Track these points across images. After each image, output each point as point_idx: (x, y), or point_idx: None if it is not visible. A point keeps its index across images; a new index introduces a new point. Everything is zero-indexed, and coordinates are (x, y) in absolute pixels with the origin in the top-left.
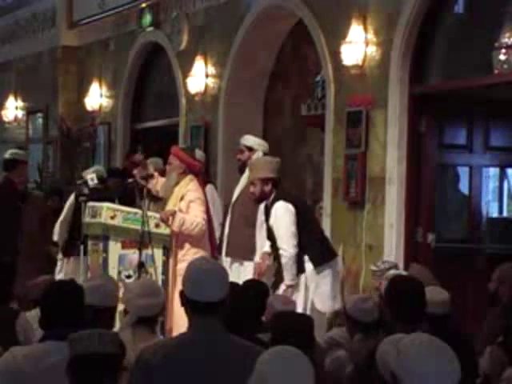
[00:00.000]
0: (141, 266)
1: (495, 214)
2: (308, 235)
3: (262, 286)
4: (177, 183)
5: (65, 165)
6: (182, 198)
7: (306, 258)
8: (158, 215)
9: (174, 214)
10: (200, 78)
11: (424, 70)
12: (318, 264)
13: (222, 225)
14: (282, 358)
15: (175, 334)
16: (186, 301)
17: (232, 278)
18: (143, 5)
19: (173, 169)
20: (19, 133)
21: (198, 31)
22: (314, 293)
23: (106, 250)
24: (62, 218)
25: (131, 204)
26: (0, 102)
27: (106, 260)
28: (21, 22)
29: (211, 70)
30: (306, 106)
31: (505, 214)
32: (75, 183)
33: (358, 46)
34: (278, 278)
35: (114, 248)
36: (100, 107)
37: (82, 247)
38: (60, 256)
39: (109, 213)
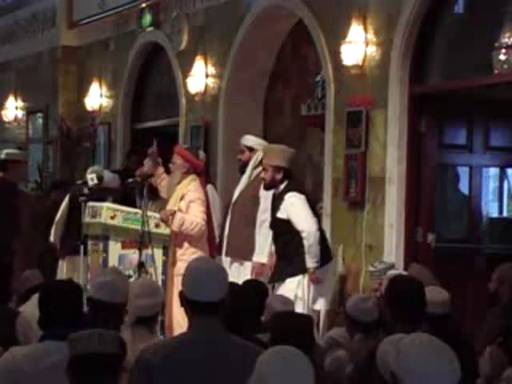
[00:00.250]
0: (141, 265)
1: (495, 214)
2: None
3: (262, 285)
4: (179, 182)
5: (65, 165)
6: (182, 198)
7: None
8: (157, 215)
9: (173, 213)
10: (200, 78)
11: (424, 70)
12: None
13: (222, 225)
14: (281, 358)
15: (175, 334)
16: (185, 301)
17: (232, 278)
18: (143, 5)
19: (176, 168)
20: (19, 133)
21: (197, 31)
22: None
23: (106, 250)
24: (57, 218)
25: (132, 204)
26: (0, 102)
27: (105, 260)
28: (21, 22)
29: (211, 69)
30: (306, 106)
31: (505, 213)
32: (75, 183)
33: (357, 45)
34: (279, 272)
35: (114, 248)
36: (100, 107)
37: (81, 247)
38: None
39: (109, 213)
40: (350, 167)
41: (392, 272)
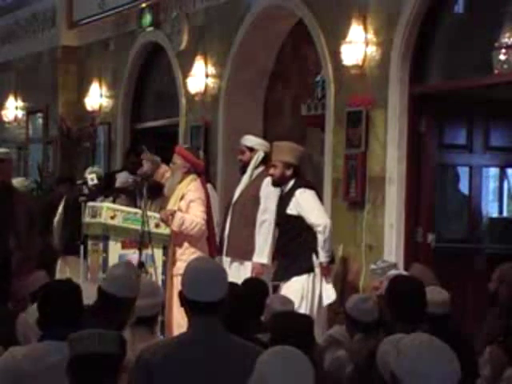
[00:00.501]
0: (141, 266)
1: (495, 214)
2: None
3: (262, 284)
4: (180, 182)
5: (65, 165)
6: (182, 198)
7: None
8: (157, 215)
9: (173, 213)
10: (200, 78)
11: (424, 70)
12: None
13: (222, 225)
14: (281, 358)
15: (175, 333)
16: (185, 301)
17: (231, 278)
18: (143, 5)
19: (177, 168)
20: (19, 133)
21: (197, 31)
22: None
23: (106, 250)
24: (56, 218)
25: (132, 203)
26: (0, 102)
27: (105, 260)
28: (21, 22)
29: (211, 69)
30: (306, 106)
31: (505, 214)
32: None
33: (357, 45)
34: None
35: (114, 248)
36: (100, 107)
37: (81, 247)
38: None
39: (109, 213)
40: (350, 167)
41: (392, 272)
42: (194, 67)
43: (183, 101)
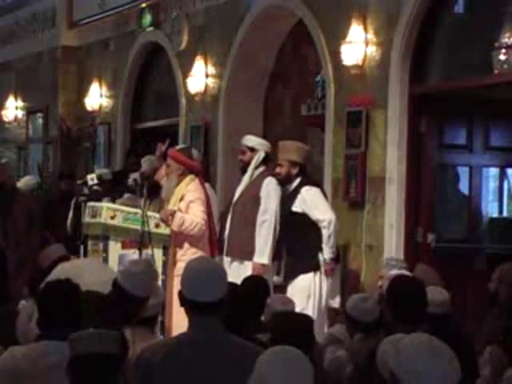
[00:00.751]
0: None
1: (495, 214)
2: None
3: (262, 282)
4: (177, 184)
5: (65, 165)
6: (181, 199)
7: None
8: (157, 215)
9: (173, 213)
10: (200, 78)
11: (424, 70)
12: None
13: (223, 225)
14: (281, 358)
15: (175, 334)
16: (185, 301)
17: (231, 278)
18: (143, 5)
19: (171, 171)
20: (19, 133)
21: (197, 31)
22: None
23: (106, 250)
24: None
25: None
26: (0, 102)
27: (105, 260)
28: (21, 22)
29: (211, 70)
30: (306, 105)
31: (505, 214)
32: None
33: (357, 45)
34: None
35: (114, 248)
36: (100, 107)
37: (82, 247)
38: None
39: (109, 213)
40: (350, 167)
41: (393, 272)
42: (194, 67)
43: (183, 101)
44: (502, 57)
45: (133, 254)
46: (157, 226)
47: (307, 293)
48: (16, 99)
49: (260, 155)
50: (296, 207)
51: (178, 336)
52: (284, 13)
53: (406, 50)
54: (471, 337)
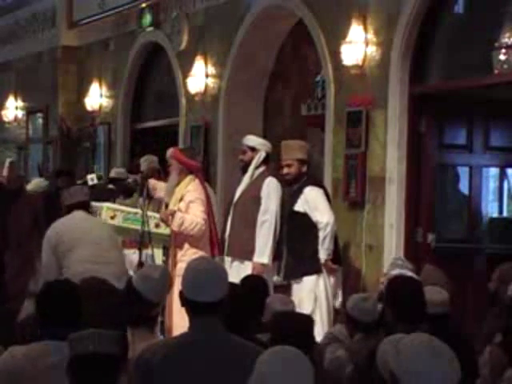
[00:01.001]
0: (141, 266)
1: (495, 214)
2: None
3: (261, 282)
4: (178, 183)
5: (65, 165)
6: (181, 199)
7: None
8: (157, 215)
9: (173, 213)
10: (200, 77)
11: (424, 70)
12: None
13: (223, 225)
14: (281, 359)
15: (175, 334)
16: (185, 301)
17: (232, 278)
18: (143, 5)
19: (172, 170)
20: (19, 133)
21: (197, 31)
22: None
23: None
24: None
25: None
26: (0, 102)
27: None
28: (21, 22)
29: (211, 70)
30: (306, 105)
31: (505, 214)
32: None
33: (357, 45)
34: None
35: None
36: (100, 107)
37: None
38: None
39: (109, 213)
40: (350, 167)
41: (395, 271)
42: (194, 67)
43: (183, 101)
44: (502, 57)
45: (133, 254)
46: (157, 225)
47: (314, 295)
48: (16, 99)
49: (261, 155)
50: (298, 207)
51: (178, 336)
52: (284, 13)
53: (405, 49)
54: (471, 337)
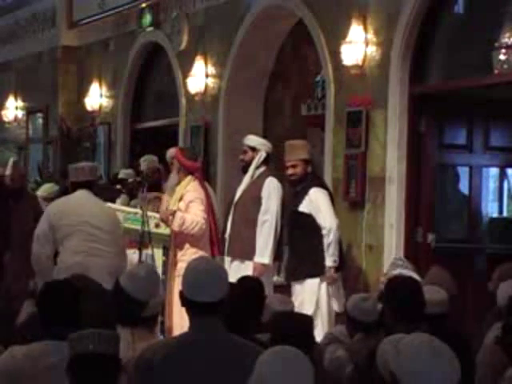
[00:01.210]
0: None
1: (495, 214)
2: None
3: (256, 283)
4: (178, 183)
5: (65, 165)
6: (181, 199)
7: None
8: (157, 215)
9: (173, 213)
10: (200, 77)
11: (424, 70)
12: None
13: (223, 225)
14: (281, 359)
15: (175, 334)
16: (185, 301)
17: (232, 277)
18: (143, 5)
19: (173, 169)
20: (19, 133)
21: (197, 31)
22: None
23: None
24: None
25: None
26: (0, 102)
27: None
28: (21, 22)
29: (211, 69)
30: (306, 105)
31: (505, 213)
32: None
33: (357, 45)
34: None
35: None
36: (100, 107)
37: None
38: None
39: None
40: (350, 167)
41: (393, 272)
42: (194, 67)
43: (183, 101)
44: (502, 57)
45: (133, 254)
46: (157, 226)
47: (315, 298)
48: (16, 99)
49: (261, 155)
50: (303, 207)
51: (178, 336)
52: (284, 13)
53: (405, 49)
54: (471, 337)
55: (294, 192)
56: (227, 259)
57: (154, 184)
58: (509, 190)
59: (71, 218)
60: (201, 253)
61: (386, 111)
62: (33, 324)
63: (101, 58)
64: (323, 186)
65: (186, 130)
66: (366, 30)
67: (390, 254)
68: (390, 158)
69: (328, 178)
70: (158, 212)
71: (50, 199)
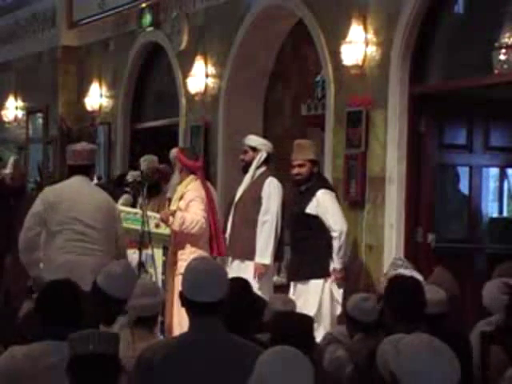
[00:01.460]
0: (141, 266)
1: (495, 214)
2: None
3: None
4: (180, 182)
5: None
6: (181, 197)
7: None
8: (158, 215)
9: (173, 213)
10: (200, 77)
11: (424, 70)
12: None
13: (224, 224)
14: (281, 359)
15: (175, 334)
16: (185, 301)
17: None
18: (143, 5)
19: (176, 169)
20: (19, 133)
21: (197, 31)
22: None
23: None
24: None
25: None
26: (0, 102)
27: None
28: (21, 22)
29: (211, 69)
30: (306, 106)
31: (505, 213)
32: None
33: (357, 45)
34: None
35: None
36: (100, 107)
37: None
38: None
39: None
40: (350, 167)
41: (393, 272)
42: (194, 67)
43: (183, 101)
44: (502, 57)
45: (133, 254)
46: (157, 226)
47: (319, 298)
48: (16, 99)
49: (262, 155)
50: (310, 209)
51: (178, 336)
52: (284, 13)
53: (405, 49)
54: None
55: (296, 191)
56: (227, 259)
57: (154, 184)
58: (509, 189)
59: (63, 212)
60: (200, 252)
61: (386, 111)
62: (31, 321)
63: (101, 57)
64: (330, 187)
65: (186, 130)
66: (365, 30)
67: (390, 253)
68: (390, 158)
69: (328, 178)
70: (158, 212)
71: None
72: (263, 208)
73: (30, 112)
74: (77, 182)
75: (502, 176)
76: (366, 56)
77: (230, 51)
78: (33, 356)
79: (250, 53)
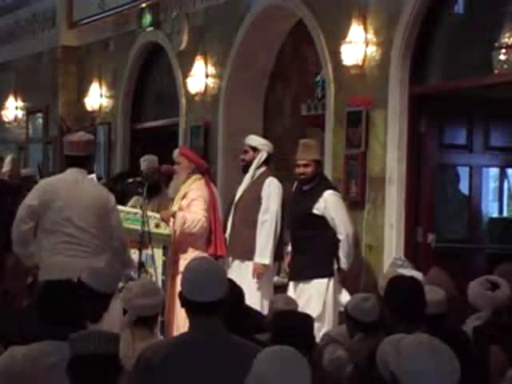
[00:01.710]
0: (141, 266)
1: (495, 214)
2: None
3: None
4: (184, 182)
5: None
6: (184, 196)
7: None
8: (158, 215)
9: (173, 215)
10: (200, 77)
11: (424, 70)
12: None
13: (224, 224)
14: (279, 358)
15: (175, 334)
16: (185, 301)
17: (232, 277)
18: (143, 5)
19: (182, 168)
20: (19, 133)
21: (198, 31)
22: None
23: None
24: None
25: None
26: (0, 102)
27: None
28: (21, 22)
29: (211, 69)
30: (306, 106)
31: (505, 214)
32: None
33: (357, 45)
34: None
35: None
36: (100, 107)
37: None
38: None
39: None
40: (350, 167)
41: (393, 272)
42: (194, 67)
43: (183, 101)
44: (502, 57)
45: (133, 254)
46: (157, 226)
47: (323, 298)
48: (16, 99)
49: (262, 155)
50: (317, 209)
51: (178, 336)
52: (284, 13)
53: (405, 49)
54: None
55: (298, 190)
56: (227, 259)
57: (154, 184)
58: (509, 189)
59: (56, 212)
60: (199, 252)
61: (386, 111)
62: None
63: (101, 57)
64: (335, 188)
65: (186, 130)
66: (365, 30)
67: (390, 253)
68: (390, 158)
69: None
70: (158, 212)
71: None
72: (263, 207)
73: (29, 112)
74: (71, 176)
75: (502, 176)
76: (365, 56)
77: (229, 51)
78: (33, 356)
79: (250, 53)
